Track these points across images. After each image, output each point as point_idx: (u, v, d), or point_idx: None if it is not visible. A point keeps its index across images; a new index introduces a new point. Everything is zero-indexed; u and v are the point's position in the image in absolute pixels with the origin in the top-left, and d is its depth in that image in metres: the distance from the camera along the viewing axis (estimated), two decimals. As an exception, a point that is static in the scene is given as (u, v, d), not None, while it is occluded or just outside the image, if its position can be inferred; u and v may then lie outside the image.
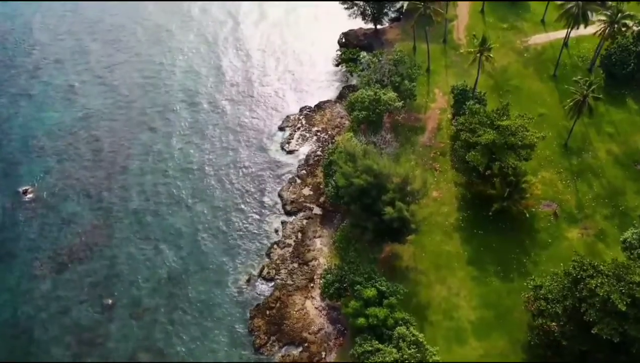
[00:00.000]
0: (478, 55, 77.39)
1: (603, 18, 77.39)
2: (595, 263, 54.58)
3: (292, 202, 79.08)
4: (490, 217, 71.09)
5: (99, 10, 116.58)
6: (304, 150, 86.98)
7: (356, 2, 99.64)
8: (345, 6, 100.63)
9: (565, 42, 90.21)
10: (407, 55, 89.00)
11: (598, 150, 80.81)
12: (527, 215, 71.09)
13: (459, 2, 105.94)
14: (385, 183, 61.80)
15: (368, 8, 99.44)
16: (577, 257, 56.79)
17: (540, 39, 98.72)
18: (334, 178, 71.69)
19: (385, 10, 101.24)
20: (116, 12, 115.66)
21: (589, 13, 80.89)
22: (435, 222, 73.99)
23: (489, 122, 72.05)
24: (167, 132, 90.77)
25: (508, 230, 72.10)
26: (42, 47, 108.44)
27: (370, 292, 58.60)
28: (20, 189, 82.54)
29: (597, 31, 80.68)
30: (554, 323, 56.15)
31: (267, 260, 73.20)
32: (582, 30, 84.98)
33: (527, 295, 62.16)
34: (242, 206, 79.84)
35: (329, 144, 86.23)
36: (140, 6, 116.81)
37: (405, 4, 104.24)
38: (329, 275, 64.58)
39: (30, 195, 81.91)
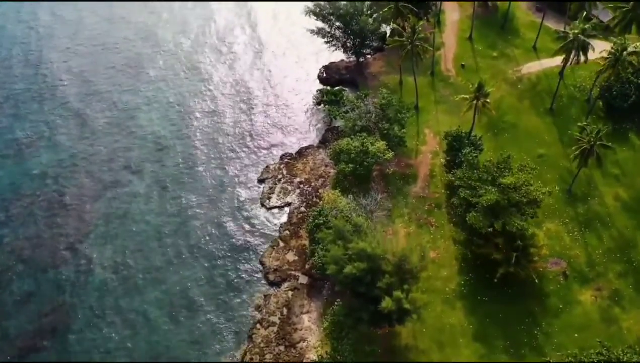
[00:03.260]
0: (474, 102, 70.33)
1: (605, 56, 71.02)
2: (624, 359, 48.03)
3: (275, 270, 71.09)
4: (495, 281, 64.30)
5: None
6: (286, 206, 78.87)
7: (336, 35, 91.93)
8: (325, 40, 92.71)
9: (561, 72, 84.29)
10: (394, 96, 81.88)
11: (605, 195, 74.71)
12: (536, 280, 64.38)
13: (445, 29, 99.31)
14: (380, 265, 54.28)
15: (349, 42, 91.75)
16: (601, 348, 50.35)
17: (533, 67, 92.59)
18: (320, 245, 64.42)
19: (368, 42, 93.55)
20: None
21: (590, 47, 74.56)
22: (434, 288, 67.00)
23: (490, 178, 65.28)
24: (132, 192, 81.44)
25: (515, 296, 65.44)
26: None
27: (369, 398, 51.26)
28: (-33, 266, 72.99)
29: (599, 69, 74.42)
30: (579, 425, 49.60)
31: (249, 344, 65.04)
32: (579, 57, 78.96)
33: (544, 383, 55.62)
34: (219, 277, 71.25)
35: (313, 197, 78.48)
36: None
37: (387, 31, 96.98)
38: (320, 369, 57.09)
39: (-21, 273, 72.45)
